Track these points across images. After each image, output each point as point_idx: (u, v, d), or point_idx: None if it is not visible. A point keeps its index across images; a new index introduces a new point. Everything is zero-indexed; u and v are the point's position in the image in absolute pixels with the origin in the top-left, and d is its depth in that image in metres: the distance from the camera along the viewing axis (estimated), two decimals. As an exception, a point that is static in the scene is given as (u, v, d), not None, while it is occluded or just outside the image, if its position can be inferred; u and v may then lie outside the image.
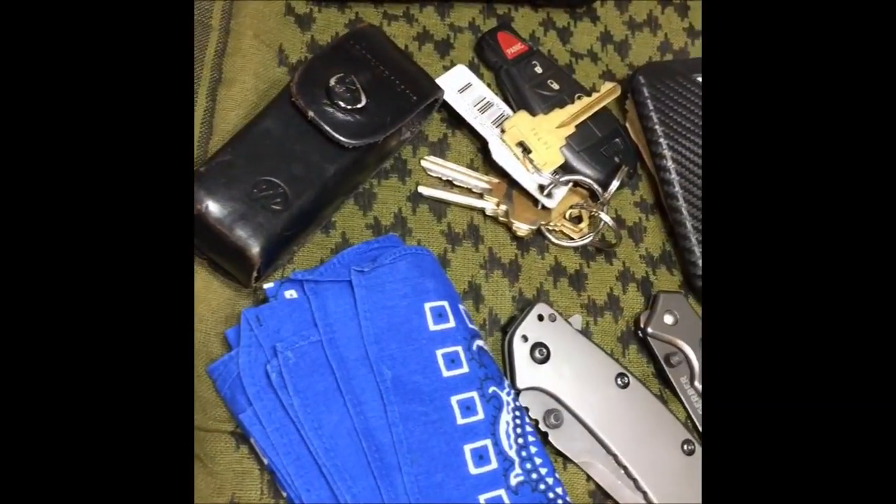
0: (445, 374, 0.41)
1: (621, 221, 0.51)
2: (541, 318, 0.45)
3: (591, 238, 0.49)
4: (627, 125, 0.53)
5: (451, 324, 0.42)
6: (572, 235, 0.49)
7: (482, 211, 0.48)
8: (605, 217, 0.48)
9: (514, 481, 0.40)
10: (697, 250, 0.50)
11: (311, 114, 0.41)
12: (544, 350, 0.44)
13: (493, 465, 0.40)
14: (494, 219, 0.48)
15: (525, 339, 0.44)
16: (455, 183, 0.48)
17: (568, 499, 0.41)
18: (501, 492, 0.40)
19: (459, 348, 0.42)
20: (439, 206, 0.47)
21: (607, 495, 0.44)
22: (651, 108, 0.52)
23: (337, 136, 0.42)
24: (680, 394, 0.47)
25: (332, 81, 0.42)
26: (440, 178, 0.48)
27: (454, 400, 0.41)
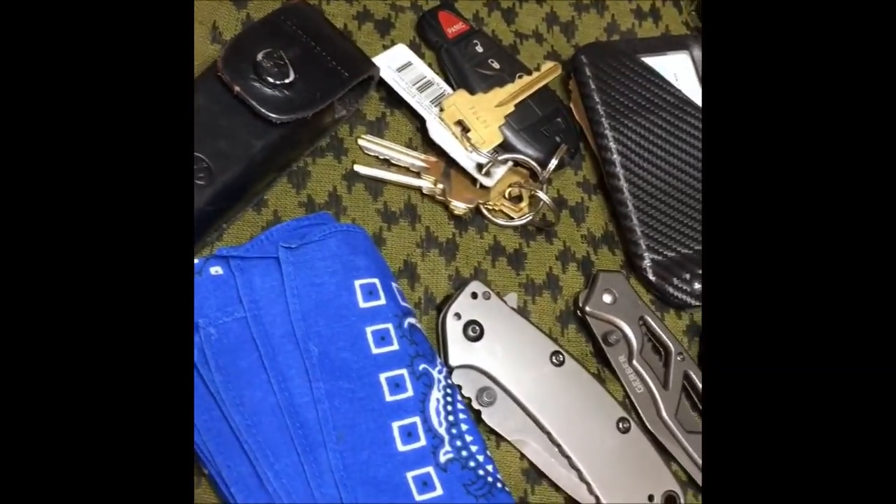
0: (375, 351, 0.41)
1: (563, 201, 0.51)
2: (474, 296, 0.44)
3: (530, 217, 0.48)
4: (572, 105, 0.53)
5: (382, 301, 0.42)
6: (512, 215, 0.49)
7: (419, 190, 0.48)
8: (543, 196, 0.47)
9: (443, 458, 0.40)
10: (638, 230, 0.49)
11: (237, 88, 0.41)
12: (477, 328, 0.44)
13: (422, 442, 0.40)
14: (432, 197, 0.48)
15: (458, 316, 0.44)
16: (392, 162, 0.48)
17: (499, 476, 0.41)
18: (430, 469, 0.40)
19: (390, 325, 0.41)
20: (376, 185, 0.47)
21: (541, 473, 0.43)
22: (593, 87, 0.51)
23: (263, 111, 0.41)
24: (618, 372, 0.46)
25: (260, 56, 0.42)
26: (377, 157, 0.48)
27: (383, 377, 0.41)
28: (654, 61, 0.54)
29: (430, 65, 0.51)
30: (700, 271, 0.50)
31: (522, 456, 0.43)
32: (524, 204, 0.49)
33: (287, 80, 0.42)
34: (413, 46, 0.51)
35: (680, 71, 0.55)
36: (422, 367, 0.41)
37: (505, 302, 0.45)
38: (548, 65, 0.51)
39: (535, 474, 0.43)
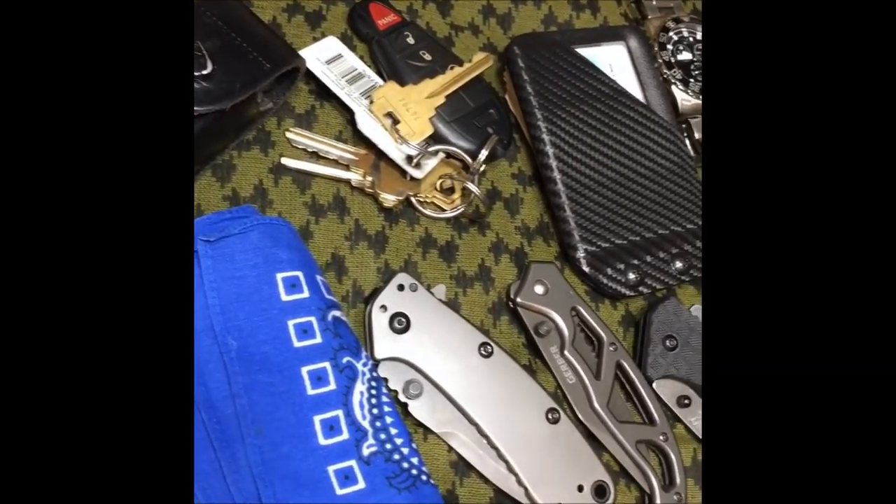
0: (297, 344, 0.40)
1: (498, 193, 0.50)
2: (401, 288, 0.44)
3: (462, 209, 0.48)
4: (506, 97, 0.53)
5: (305, 294, 0.41)
6: (444, 207, 0.48)
7: (348, 182, 0.47)
8: (473, 188, 0.47)
9: (366, 452, 0.40)
10: (572, 220, 0.49)
11: (153, 80, 0.40)
12: (403, 320, 0.43)
13: (345, 435, 0.40)
14: (361, 190, 0.47)
15: (384, 309, 0.43)
16: (321, 154, 0.47)
17: (424, 469, 0.40)
18: (352, 462, 0.39)
19: (313, 318, 0.41)
20: (304, 178, 0.47)
21: (469, 466, 0.43)
22: (526, 78, 0.51)
23: (180, 102, 0.41)
24: (549, 363, 0.46)
25: (177, 48, 0.41)
26: (306, 150, 0.47)
27: (305, 370, 0.40)
28: (589, 52, 0.54)
29: (361, 57, 0.51)
30: (634, 261, 0.50)
31: (450, 448, 0.43)
32: (456, 196, 0.49)
33: (204, 72, 0.41)
34: (344, 39, 0.51)
35: (615, 62, 0.55)
36: (346, 359, 0.41)
37: (432, 294, 0.44)
38: (479, 56, 0.51)
39: (463, 467, 0.43)
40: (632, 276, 0.50)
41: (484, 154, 0.48)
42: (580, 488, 0.43)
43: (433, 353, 0.43)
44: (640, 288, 0.50)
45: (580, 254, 0.49)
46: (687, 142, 0.56)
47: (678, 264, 0.51)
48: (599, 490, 0.43)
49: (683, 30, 0.58)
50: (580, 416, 0.45)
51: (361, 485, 0.39)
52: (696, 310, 0.50)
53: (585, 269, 0.49)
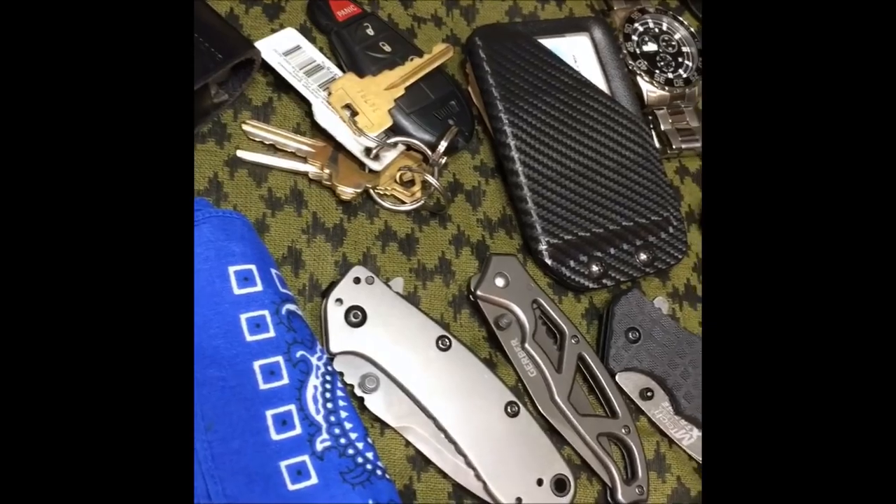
0: (249, 338, 0.40)
1: (460, 185, 0.50)
2: (357, 281, 0.43)
3: (423, 202, 0.48)
4: (469, 89, 0.52)
5: (259, 288, 0.41)
6: (404, 199, 0.48)
7: (306, 175, 0.47)
8: (431, 180, 0.47)
9: (319, 447, 0.39)
10: (535, 213, 0.49)
11: (100, 71, 0.40)
12: (360, 313, 0.43)
13: (297, 430, 0.39)
14: (319, 183, 0.47)
15: (340, 302, 0.43)
16: (278, 147, 0.47)
17: (379, 463, 0.40)
18: (305, 458, 0.39)
19: (266, 312, 0.40)
20: (260, 171, 0.46)
21: (427, 460, 0.43)
22: (487, 70, 0.51)
23: (129, 93, 0.40)
24: (510, 356, 0.46)
25: (126, 38, 0.40)
26: (262, 142, 0.47)
27: (257, 364, 0.39)
28: (552, 43, 0.53)
29: (321, 49, 0.50)
30: (597, 253, 0.49)
31: (408, 443, 0.43)
32: (416, 188, 0.48)
33: (154, 63, 0.41)
34: (303, 30, 0.50)
35: (579, 53, 0.54)
36: (299, 353, 0.40)
37: (390, 287, 0.44)
38: (440, 47, 0.51)
39: (421, 461, 0.43)
40: (595, 268, 0.49)
41: (443, 145, 0.47)
42: (540, 482, 0.43)
43: (390, 346, 0.43)
44: (604, 280, 0.49)
45: (542, 246, 0.49)
46: (653, 133, 0.55)
47: (643, 256, 0.50)
48: (559, 484, 0.43)
49: (649, 21, 0.58)
50: (541, 410, 0.45)
51: (314, 480, 0.38)
52: (660, 302, 0.49)
53: (548, 261, 0.48)
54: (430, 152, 0.48)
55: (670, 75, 0.56)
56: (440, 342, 0.43)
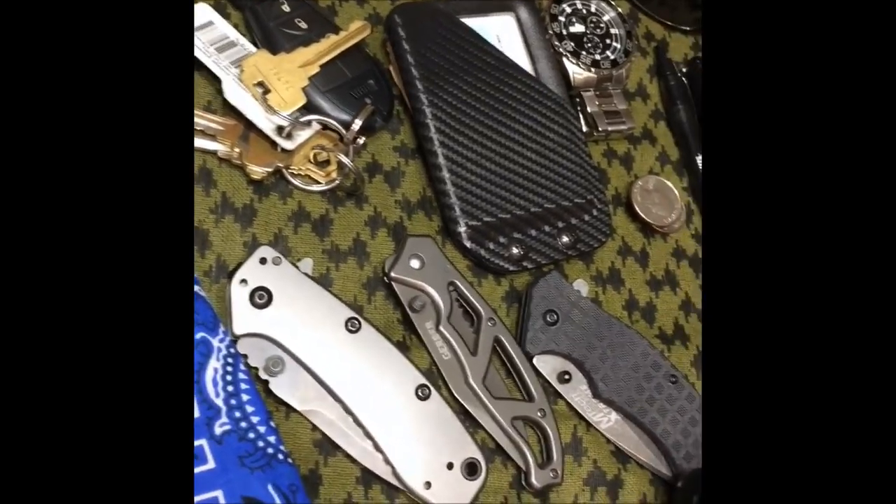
0: (146, 320, 0.39)
1: (378, 166, 0.49)
2: (263, 261, 0.42)
3: (338, 182, 0.47)
4: (391, 68, 0.51)
5: (158, 268, 0.40)
6: (319, 179, 0.47)
7: (215, 154, 0.45)
8: (344, 159, 0.46)
9: (218, 430, 0.38)
10: (454, 194, 0.48)
11: None
12: (265, 295, 0.42)
13: (195, 414, 0.38)
14: (229, 162, 0.45)
15: (245, 283, 0.42)
16: (187, 125, 0.45)
17: (282, 447, 0.39)
18: (202, 441, 0.38)
19: (165, 293, 0.39)
20: (167, 149, 0.45)
21: (334, 444, 0.42)
22: (406, 48, 0.50)
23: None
24: (424, 339, 0.45)
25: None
26: (170, 120, 0.45)
27: (153, 347, 0.38)
28: (476, 23, 0.53)
29: (236, 25, 0.49)
30: (518, 235, 0.49)
31: (314, 427, 0.42)
32: (332, 168, 0.47)
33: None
34: (218, 6, 0.49)
35: (503, 33, 0.54)
36: (200, 335, 0.39)
37: (297, 268, 0.43)
38: (356, 24, 0.49)
39: (328, 445, 0.42)
40: (515, 250, 0.48)
41: (357, 124, 0.46)
42: (450, 466, 0.42)
43: (297, 328, 0.42)
44: (524, 263, 0.49)
45: (461, 228, 0.48)
46: (580, 116, 0.55)
47: (565, 239, 0.50)
48: (470, 467, 0.42)
49: (577, 2, 0.57)
50: (455, 393, 0.44)
51: (211, 464, 0.37)
52: (580, 284, 0.49)
53: (466, 243, 0.48)
54: (344, 131, 0.47)
55: (597, 57, 0.55)
56: (349, 324, 0.42)
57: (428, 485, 0.41)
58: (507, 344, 0.46)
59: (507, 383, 0.46)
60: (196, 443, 0.38)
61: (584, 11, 0.57)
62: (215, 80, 0.47)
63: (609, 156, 0.56)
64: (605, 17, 0.57)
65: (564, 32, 0.55)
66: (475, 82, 0.51)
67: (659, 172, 0.57)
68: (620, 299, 0.51)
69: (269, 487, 0.38)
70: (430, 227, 0.49)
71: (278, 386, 0.41)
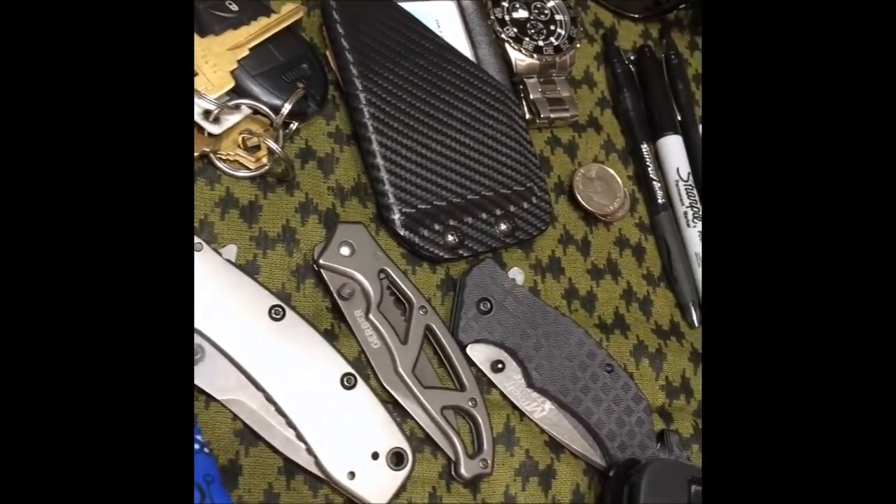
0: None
1: (311, 152, 0.48)
2: (184, 247, 0.41)
3: (268, 167, 0.46)
4: (327, 53, 0.50)
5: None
6: (248, 165, 0.46)
7: (139, 138, 0.44)
8: (272, 145, 0.45)
9: (131, 420, 0.37)
10: (388, 181, 0.47)
11: None
12: (185, 281, 0.41)
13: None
14: (154, 146, 0.44)
15: (164, 269, 0.41)
16: (110, 108, 0.44)
17: (199, 437, 0.38)
18: (114, 431, 0.37)
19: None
20: (89, 133, 0.44)
21: (256, 434, 0.41)
22: (341, 32, 0.49)
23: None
24: (353, 327, 0.44)
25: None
26: (93, 103, 0.44)
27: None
28: (415, 7, 0.52)
29: (165, 8, 0.48)
30: (454, 223, 0.48)
31: (235, 416, 0.41)
32: (262, 153, 0.46)
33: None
34: (148, -12, 0.48)
35: (443, 18, 0.53)
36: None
37: (220, 254, 0.42)
38: (288, 7, 0.48)
39: (249, 435, 0.41)
40: (451, 238, 0.48)
41: (287, 108, 0.45)
42: (375, 456, 0.41)
43: (217, 315, 0.41)
44: (460, 251, 0.48)
45: (395, 215, 0.47)
46: (524, 103, 0.54)
47: (503, 227, 0.49)
48: (397, 457, 0.41)
49: (521, -13, 0.56)
50: (383, 382, 0.44)
51: (122, 454, 0.36)
52: (515, 272, 0.48)
53: (400, 231, 0.47)
54: (274, 116, 0.46)
55: (540, 43, 0.55)
56: (273, 312, 0.42)
57: (352, 475, 0.40)
58: (438, 332, 0.45)
59: (439, 373, 0.45)
60: (107, 432, 0.37)
61: (528, -3, 0.56)
62: (142, 63, 0.46)
63: (553, 143, 0.55)
64: (550, 3, 0.57)
65: (507, 18, 0.55)
66: (413, 68, 0.50)
67: (604, 161, 0.56)
68: (560, 288, 0.51)
69: (183, 477, 0.37)
70: (364, 214, 0.48)
71: (197, 375, 0.40)
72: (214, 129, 0.45)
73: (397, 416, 0.43)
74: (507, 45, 0.54)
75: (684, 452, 0.47)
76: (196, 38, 0.46)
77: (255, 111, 0.46)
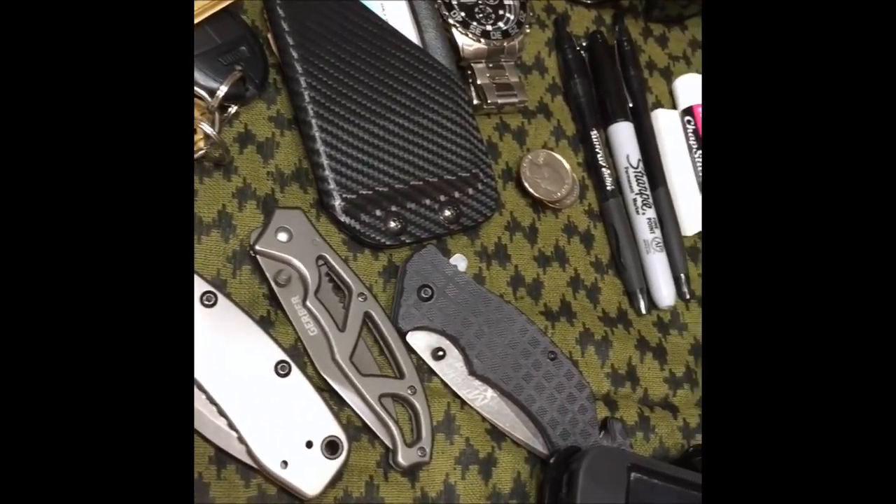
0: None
1: (251, 136, 0.47)
2: (112, 232, 0.40)
3: (205, 151, 0.45)
4: (269, 36, 0.49)
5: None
6: (184, 149, 0.45)
7: (69, 121, 0.43)
8: (206, 128, 0.44)
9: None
10: (328, 165, 0.47)
11: None
12: (112, 267, 0.40)
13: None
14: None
15: (91, 255, 0.40)
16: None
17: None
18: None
19: None
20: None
21: (186, 423, 0.40)
22: (281, 14, 0.48)
23: None
24: (289, 314, 0.43)
25: None
26: (21, 85, 0.43)
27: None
28: (359, -10, 0.51)
29: (100, -12, 0.46)
30: (396, 209, 0.47)
31: (165, 405, 0.40)
32: (198, 137, 0.45)
33: None
34: (81, -32, 0.47)
35: (388, 1, 0.52)
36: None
37: (150, 239, 0.41)
38: (225, -12, 0.48)
39: (179, 424, 0.40)
40: (393, 224, 0.47)
41: (223, 91, 0.45)
42: (309, 444, 0.41)
43: (147, 302, 0.40)
44: (402, 237, 0.47)
45: (336, 201, 0.46)
46: (471, 88, 0.53)
47: (447, 213, 0.49)
48: (331, 446, 0.41)
49: (469, -29, 0.55)
50: (320, 370, 0.43)
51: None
52: (457, 259, 0.47)
53: (341, 217, 0.46)
54: (209, 98, 0.45)
55: (488, 28, 0.54)
56: (205, 299, 0.41)
57: (284, 464, 0.40)
58: (378, 319, 0.44)
59: (378, 360, 0.45)
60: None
61: (477, -19, 0.55)
62: (74, 45, 0.45)
63: (501, 129, 0.54)
64: (499, -12, 0.56)
65: (454, 2, 0.54)
66: (356, 52, 0.49)
67: (553, 147, 0.55)
68: (506, 275, 0.50)
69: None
70: (304, 199, 0.47)
71: (125, 362, 0.39)
72: (147, 112, 0.44)
73: (334, 405, 0.42)
74: (454, 30, 0.53)
75: (627, 440, 0.47)
76: (129, 18, 0.45)
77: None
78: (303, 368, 0.42)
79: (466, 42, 0.53)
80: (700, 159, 0.57)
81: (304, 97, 0.47)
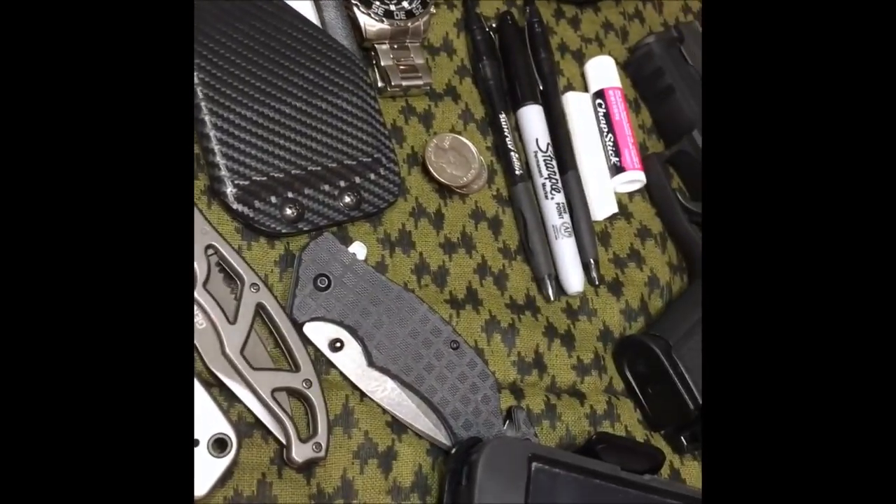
0: None
1: (136, 120, 0.45)
2: None
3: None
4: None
5: None
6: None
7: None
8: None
9: None
10: (219, 150, 0.45)
11: None
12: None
13: None
14: None
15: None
16: None
17: None
18: None
19: None
20: None
21: (61, 424, 0.38)
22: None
23: None
24: (175, 307, 0.41)
25: None
26: None
27: None
28: (254, -33, 0.49)
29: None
30: (292, 195, 0.46)
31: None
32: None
33: None
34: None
35: (287, -21, 0.50)
36: None
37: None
38: (105, -37, 0.45)
39: (53, 425, 0.38)
40: (289, 211, 0.45)
41: (100, 73, 0.42)
42: (196, 442, 0.39)
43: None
44: (299, 224, 0.46)
45: (227, 188, 0.44)
46: (375, 70, 0.52)
47: (347, 199, 0.47)
48: (219, 444, 0.39)
49: (372, -51, 0.54)
50: (208, 364, 0.41)
51: None
52: (356, 247, 0.46)
53: (233, 204, 0.44)
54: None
55: (391, 7, 0.52)
56: (80, 292, 0.38)
57: (168, 464, 0.38)
58: (272, 311, 0.43)
59: (273, 353, 0.43)
60: None
61: (381, -41, 0.54)
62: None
63: (407, 113, 0.53)
64: (404, -34, 0.54)
65: (355, -20, 0.52)
66: (249, 31, 0.47)
67: (462, 131, 0.54)
68: (410, 263, 0.49)
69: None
70: (195, 186, 0.45)
71: (-9, 361, 0.37)
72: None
73: (223, 401, 0.41)
74: (355, 9, 0.51)
75: (532, 429, 0.46)
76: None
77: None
78: (190, 363, 0.40)
79: (368, 22, 0.51)
80: (611, 143, 0.56)
81: (193, 79, 0.45)
